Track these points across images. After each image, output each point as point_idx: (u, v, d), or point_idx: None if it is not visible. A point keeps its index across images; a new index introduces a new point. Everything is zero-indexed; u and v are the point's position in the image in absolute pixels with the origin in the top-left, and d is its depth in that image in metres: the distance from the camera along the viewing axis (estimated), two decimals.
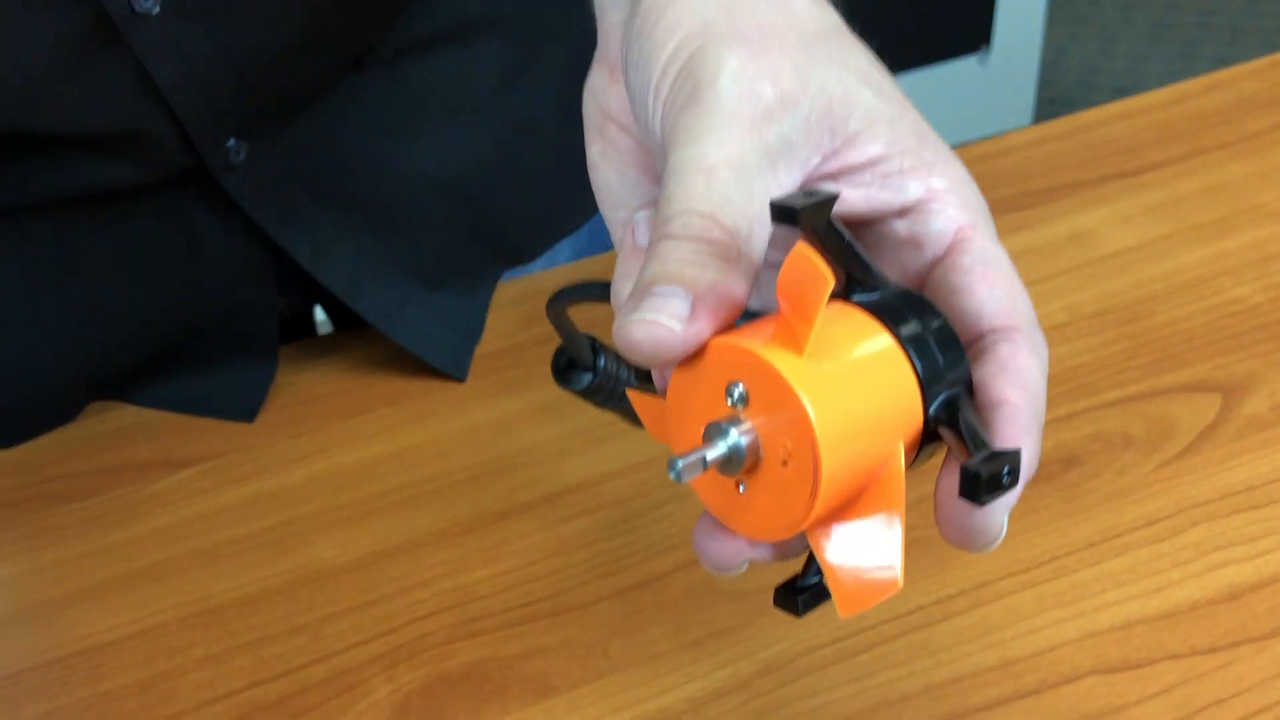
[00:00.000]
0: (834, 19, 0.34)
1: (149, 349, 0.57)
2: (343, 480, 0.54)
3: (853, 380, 0.28)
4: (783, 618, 0.46)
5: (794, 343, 0.27)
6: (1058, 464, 0.51)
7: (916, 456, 0.30)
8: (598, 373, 0.38)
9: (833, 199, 0.29)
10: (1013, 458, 0.27)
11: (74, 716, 0.45)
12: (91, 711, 0.45)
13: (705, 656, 0.45)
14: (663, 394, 0.31)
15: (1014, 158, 0.69)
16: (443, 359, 0.57)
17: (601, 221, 0.39)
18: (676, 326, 0.28)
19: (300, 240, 0.55)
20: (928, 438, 0.29)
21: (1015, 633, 0.45)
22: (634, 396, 0.33)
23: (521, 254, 0.62)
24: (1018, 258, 0.62)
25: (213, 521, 0.52)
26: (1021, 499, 0.50)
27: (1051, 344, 0.58)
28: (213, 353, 0.57)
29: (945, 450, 0.30)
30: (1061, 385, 0.55)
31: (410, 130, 0.57)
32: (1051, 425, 0.53)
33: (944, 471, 0.30)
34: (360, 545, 0.51)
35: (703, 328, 0.29)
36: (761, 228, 0.30)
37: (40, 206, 0.52)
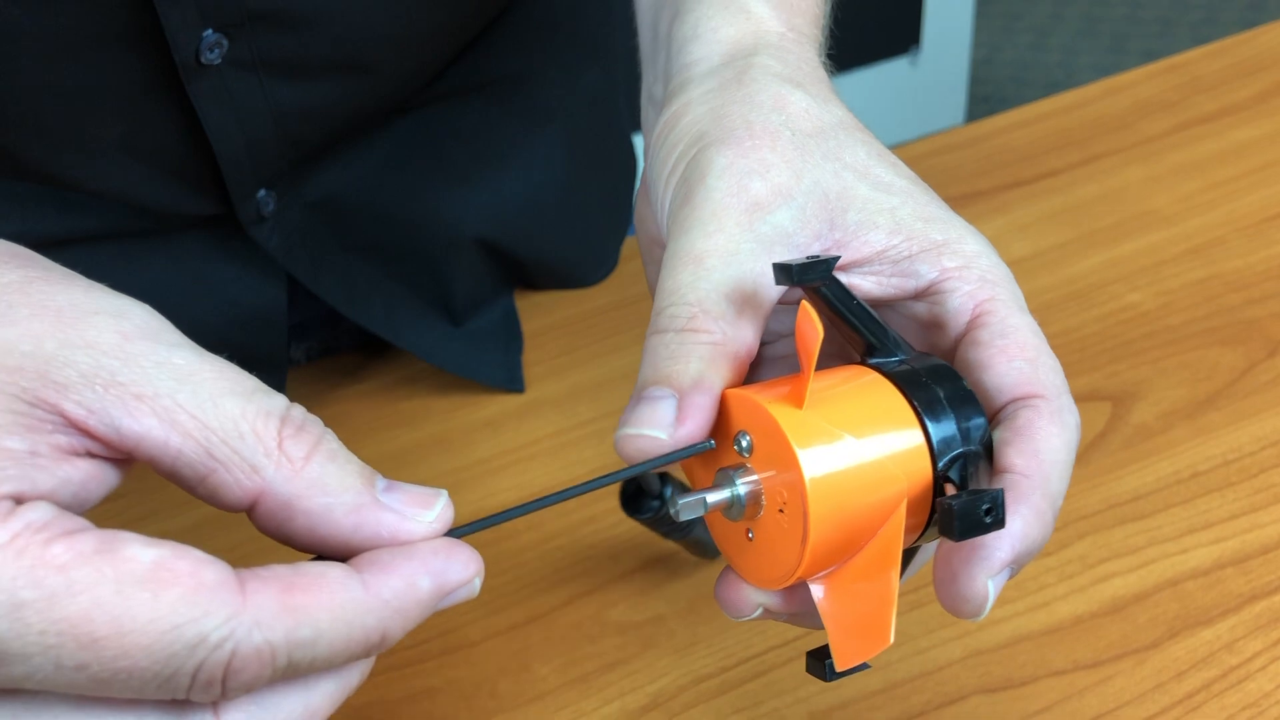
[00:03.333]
0: (835, 116, 0.35)
1: None
2: (229, 524, 0.53)
3: (854, 435, 0.28)
4: (670, 648, 0.46)
5: (796, 396, 0.28)
6: None
7: (931, 517, 0.30)
8: (664, 502, 0.39)
9: (832, 261, 0.30)
10: (993, 495, 0.27)
11: None
12: None
13: (592, 692, 0.45)
14: None
15: (915, 168, 0.68)
16: (496, 378, 0.58)
17: None
18: (663, 435, 0.30)
19: (334, 287, 0.56)
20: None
21: (901, 654, 0.45)
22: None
23: (535, 285, 0.64)
24: None
25: None
26: None
27: None
28: None
29: None
30: None
31: (434, 180, 0.58)
32: None
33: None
34: None
35: (691, 428, 0.30)
36: (755, 309, 0.32)
37: (49, 244, 0.52)
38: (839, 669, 0.29)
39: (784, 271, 0.30)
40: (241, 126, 0.49)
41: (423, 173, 0.58)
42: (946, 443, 0.29)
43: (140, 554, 0.25)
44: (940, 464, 0.29)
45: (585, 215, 0.64)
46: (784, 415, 0.28)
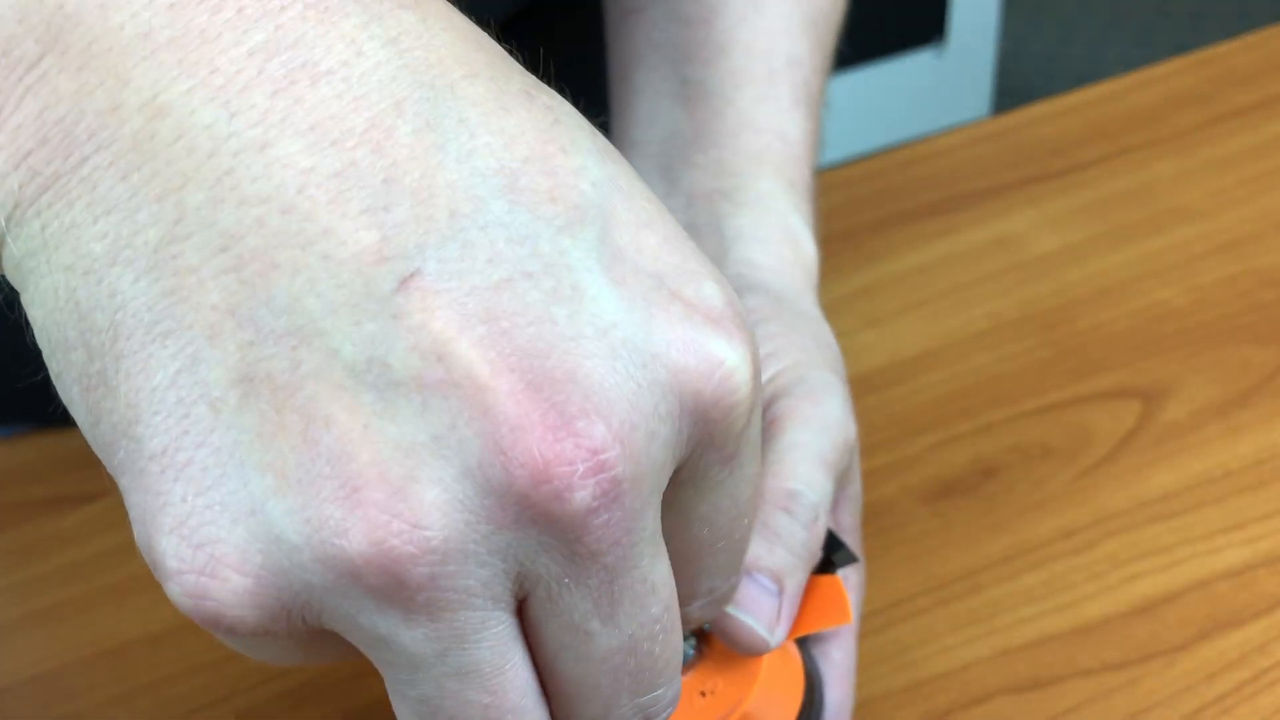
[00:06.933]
0: None
1: None
2: None
3: (782, 682, 0.34)
4: None
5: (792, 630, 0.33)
6: (975, 475, 0.51)
7: None
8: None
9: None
10: None
11: None
12: None
13: None
14: None
15: (943, 161, 0.69)
16: None
17: None
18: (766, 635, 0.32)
19: None
20: None
21: (926, 653, 0.44)
22: None
23: None
24: (942, 264, 0.62)
25: (119, 557, 0.51)
26: (937, 514, 0.49)
27: (973, 352, 0.58)
28: None
29: None
30: (981, 395, 0.54)
31: None
32: (970, 437, 0.52)
33: None
34: None
35: (781, 633, 0.33)
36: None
37: None
38: None
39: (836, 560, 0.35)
40: None
41: None
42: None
43: None
44: None
45: None
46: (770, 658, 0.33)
